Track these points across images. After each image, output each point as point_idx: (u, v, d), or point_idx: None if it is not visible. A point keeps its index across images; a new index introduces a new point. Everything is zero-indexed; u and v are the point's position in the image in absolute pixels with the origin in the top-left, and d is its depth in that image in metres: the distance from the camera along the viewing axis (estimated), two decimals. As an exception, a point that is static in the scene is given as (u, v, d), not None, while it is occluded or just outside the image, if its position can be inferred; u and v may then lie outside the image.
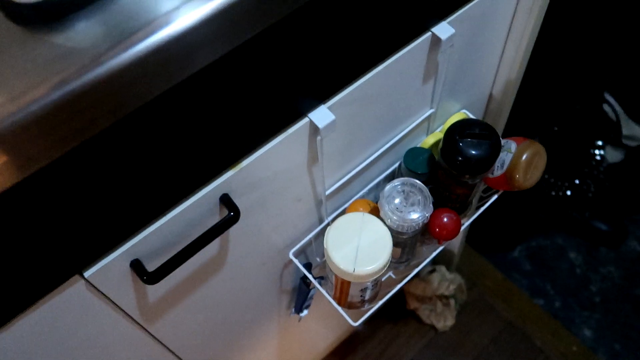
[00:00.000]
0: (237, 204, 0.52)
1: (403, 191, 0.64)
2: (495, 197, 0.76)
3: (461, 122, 0.66)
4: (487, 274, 1.38)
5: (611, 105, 1.40)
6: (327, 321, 1.08)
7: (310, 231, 0.70)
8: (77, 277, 0.45)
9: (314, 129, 0.55)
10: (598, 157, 1.42)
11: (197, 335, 0.67)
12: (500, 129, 0.92)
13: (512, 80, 0.81)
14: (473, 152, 0.64)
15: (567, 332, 1.30)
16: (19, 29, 0.35)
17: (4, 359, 0.45)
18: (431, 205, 0.64)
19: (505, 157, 0.69)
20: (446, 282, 1.27)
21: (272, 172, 0.55)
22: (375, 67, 0.57)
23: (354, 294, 0.65)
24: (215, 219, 0.53)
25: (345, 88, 0.56)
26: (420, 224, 0.63)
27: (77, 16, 0.36)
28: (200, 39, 0.37)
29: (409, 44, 0.59)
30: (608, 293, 1.36)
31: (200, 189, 0.50)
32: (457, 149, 0.64)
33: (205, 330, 0.68)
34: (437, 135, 0.76)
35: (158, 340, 0.61)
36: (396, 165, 0.75)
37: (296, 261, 0.69)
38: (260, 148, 0.52)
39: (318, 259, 0.76)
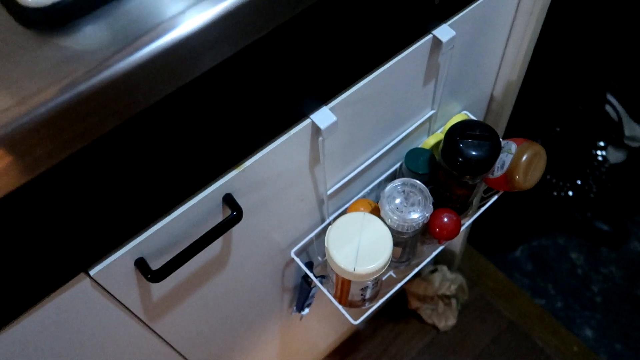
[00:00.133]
0: (240, 203, 0.53)
1: (403, 191, 0.65)
2: (495, 197, 0.77)
3: (462, 123, 0.67)
4: (489, 273, 1.39)
5: (613, 106, 1.41)
6: (328, 320, 1.09)
7: (312, 230, 0.71)
8: (82, 275, 0.46)
9: (316, 130, 0.56)
10: (600, 158, 1.43)
11: (199, 333, 0.68)
12: (501, 130, 0.92)
13: (513, 81, 0.82)
14: (473, 153, 0.64)
15: (568, 332, 1.31)
16: (28, 32, 0.36)
17: (10, 356, 0.46)
18: (431, 205, 0.65)
19: (505, 158, 0.69)
20: (447, 281, 1.27)
21: (274, 172, 0.56)
22: (376, 69, 0.58)
23: (354, 293, 0.66)
24: (218, 219, 0.53)
25: (347, 89, 0.56)
26: (421, 224, 0.64)
27: (84, 20, 0.36)
28: (205, 42, 0.37)
29: (410, 46, 0.60)
30: (609, 293, 1.36)
31: (204, 189, 0.50)
32: (457, 149, 0.64)
33: (208, 328, 0.69)
34: (438, 136, 0.77)
35: (161, 337, 0.62)
36: (397, 165, 0.76)
37: (298, 260, 0.70)
38: (263, 149, 0.53)
39: (319, 258, 0.76)
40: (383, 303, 0.72)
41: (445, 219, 0.67)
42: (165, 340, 0.63)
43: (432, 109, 0.73)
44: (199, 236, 0.51)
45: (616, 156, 1.45)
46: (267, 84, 0.47)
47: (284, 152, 0.55)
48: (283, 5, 0.41)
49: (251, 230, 0.60)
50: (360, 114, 0.61)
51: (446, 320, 1.29)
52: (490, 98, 0.87)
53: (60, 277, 0.44)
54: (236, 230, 0.57)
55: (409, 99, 0.67)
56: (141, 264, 0.49)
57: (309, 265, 0.73)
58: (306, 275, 0.74)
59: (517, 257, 1.42)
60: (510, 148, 0.69)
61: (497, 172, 0.70)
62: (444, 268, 1.31)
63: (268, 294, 0.76)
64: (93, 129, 0.36)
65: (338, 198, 0.71)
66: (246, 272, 0.66)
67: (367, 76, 0.57)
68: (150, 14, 0.36)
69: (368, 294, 0.67)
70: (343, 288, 0.66)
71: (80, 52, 0.35)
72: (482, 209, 0.77)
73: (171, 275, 0.51)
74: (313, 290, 0.77)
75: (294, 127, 0.54)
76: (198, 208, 0.51)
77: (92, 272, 0.46)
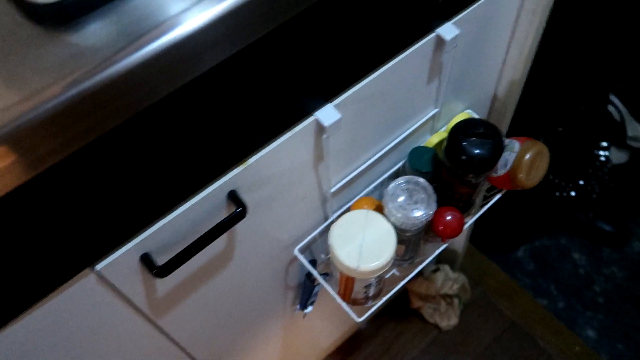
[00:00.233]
0: (244, 200, 0.53)
1: (407, 189, 0.65)
2: (498, 196, 0.77)
3: (465, 121, 0.67)
4: (491, 273, 1.39)
5: (616, 107, 1.41)
6: (331, 318, 1.09)
7: (315, 228, 0.71)
8: (88, 270, 0.46)
9: (320, 128, 0.56)
10: (602, 158, 1.43)
11: (203, 330, 0.68)
12: (504, 129, 0.93)
13: (516, 80, 0.82)
14: (476, 151, 0.65)
15: (570, 332, 1.31)
16: (37, 28, 0.36)
17: (17, 351, 0.46)
18: (435, 203, 0.65)
19: (508, 157, 0.69)
20: (450, 281, 1.28)
21: (278, 169, 0.56)
22: (380, 67, 0.58)
23: (358, 290, 0.66)
24: (222, 215, 0.54)
25: (351, 87, 0.57)
26: (424, 222, 0.64)
27: (92, 16, 0.37)
28: (209, 39, 0.38)
29: (414, 45, 0.60)
30: (611, 294, 1.36)
31: (209, 185, 0.51)
32: (460, 148, 0.65)
33: (211, 324, 0.69)
34: (441, 134, 0.77)
35: (165, 333, 0.62)
36: (400, 164, 0.76)
37: (301, 257, 0.70)
38: (267, 146, 0.53)
39: (323, 256, 0.77)
40: (386, 301, 0.73)
41: (449, 217, 0.68)
42: (169, 336, 0.63)
43: (435, 108, 0.73)
44: (203, 232, 0.52)
45: (619, 156, 1.45)
46: (271, 81, 0.48)
47: (288, 149, 0.55)
48: (287, 3, 0.41)
49: (255, 228, 0.61)
50: (364, 112, 0.61)
51: (448, 319, 1.29)
52: (493, 97, 0.87)
53: (67, 272, 0.45)
54: (240, 227, 0.58)
55: (412, 97, 0.67)
56: (146, 260, 0.49)
57: (312, 263, 0.74)
58: (309, 273, 0.74)
59: (520, 257, 1.43)
60: (513, 147, 0.70)
61: (500, 170, 0.70)
62: (446, 267, 1.31)
63: (271, 292, 0.76)
64: (99, 125, 0.36)
65: (341, 196, 0.71)
66: (250, 269, 0.67)
67: (371, 74, 0.58)
68: (158, 10, 0.36)
69: (371, 292, 0.67)
70: (347, 286, 0.66)
71: (88, 48, 0.35)
72: (485, 207, 0.77)
73: (175, 272, 0.52)
74: (316, 288, 0.77)
75: (298, 124, 0.54)
76: (203, 204, 0.51)
77: (98, 268, 0.46)
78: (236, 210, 0.52)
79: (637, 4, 1.22)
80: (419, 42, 0.60)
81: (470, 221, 0.76)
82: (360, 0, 0.49)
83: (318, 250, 0.76)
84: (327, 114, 0.55)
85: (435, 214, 0.67)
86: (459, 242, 1.27)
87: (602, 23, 1.25)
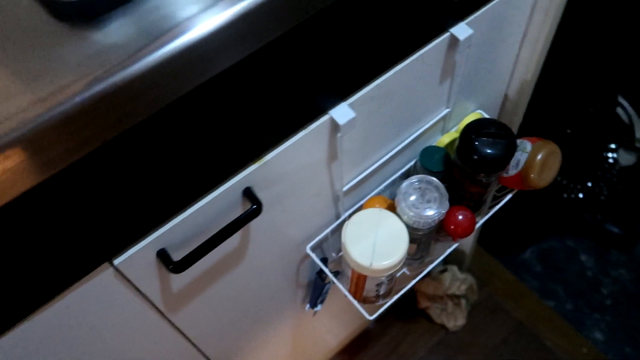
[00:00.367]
0: (259, 197, 0.54)
1: (420, 188, 0.65)
2: (509, 196, 0.77)
3: (478, 121, 0.67)
4: (498, 274, 1.39)
5: (625, 109, 1.40)
6: (339, 317, 1.09)
7: (327, 226, 0.72)
8: (106, 264, 0.47)
9: (334, 126, 0.56)
10: (611, 160, 1.43)
11: (214, 327, 0.69)
12: (514, 129, 0.93)
13: (527, 81, 0.82)
14: (489, 150, 0.65)
15: (577, 334, 1.31)
16: (60, 25, 0.36)
17: (35, 343, 0.47)
18: (447, 202, 0.65)
19: (520, 157, 0.70)
20: (457, 281, 1.28)
21: (293, 167, 0.57)
22: (394, 66, 0.58)
23: (369, 289, 0.67)
24: (237, 212, 0.54)
25: (366, 86, 0.57)
26: (436, 221, 0.64)
27: (115, 14, 0.37)
28: (227, 39, 0.38)
29: (427, 44, 0.60)
30: (619, 296, 1.36)
31: (225, 182, 0.51)
32: (473, 147, 0.65)
33: (223, 322, 0.70)
34: (452, 134, 0.77)
35: (178, 329, 0.63)
36: (411, 163, 0.77)
37: (313, 255, 0.71)
38: (282, 143, 0.53)
39: (334, 254, 0.77)
40: (393, 301, 0.73)
41: (460, 217, 0.68)
42: (181, 332, 0.64)
43: (447, 107, 0.73)
44: (219, 229, 0.52)
45: (627, 159, 1.45)
46: (288, 80, 0.48)
47: (302, 147, 0.55)
48: (304, 4, 0.42)
49: (268, 225, 0.61)
50: (377, 112, 0.62)
51: (455, 320, 1.29)
52: (504, 97, 0.87)
53: (86, 266, 0.45)
54: (254, 224, 0.58)
55: (424, 96, 0.67)
56: (163, 255, 0.50)
57: (323, 261, 0.74)
58: (320, 271, 0.75)
59: (527, 259, 1.42)
60: (525, 147, 0.70)
61: (512, 170, 0.70)
62: (454, 268, 1.31)
63: (282, 289, 0.77)
64: (120, 122, 0.37)
65: (352, 195, 0.72)
66: (262, 266, 0.67)
67: (385, 73, 0.58)
68: (176, 10, 0.37)
69: (382, 290, 0.68)
70: (358, 283, 0.66)
71: (110, 46, 0.35)
72: (497, 206, 0.77)
73: (190, 268, 0.52)
74: (327, 287, 0.78)
75: (314, 122, 0.55)
76: (219, 201, 0.51)
77: (116, 262, 0.47)
78: (252, 207, 0.53)
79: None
80: (433, 41, 0.60)
81: (481, 221, 0.76)
82: (378, 1, 0.49)
83: (329, 249, 0.76)
84: (342, 112, 0.55)
85: (447, 213, 0.67)
86: (467, 242, 1.27)
87: (613, 26, 1.25)
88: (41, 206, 0.38)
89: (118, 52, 0.35)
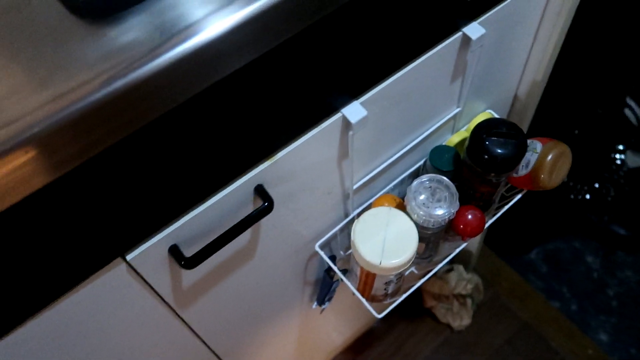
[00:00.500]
0: (271, 195, 0.54)
1: (430, 187, 0.65)
2: (519, 196, 0.77)
3: (488, 121, 0.67)
4: (504, 274, 1.39)
5: (633, 110, 1.40)
6: (345, 315, 1.09)
7: (336, 224, 0.72)
8: (119, 260, 0.47)
9: (346, 124, 0.56)
10: (618, 162, 1.42)
11: (222, 323, 0.69)
12: (524, 130, 0.92)
13: (538, 81, 0.82)
14: (499, 150, 0.65)
15: (582, 335, 1.30)
16: (79, 22, 0.36)
17: (47, 338, 0.47)
18: (457, 202, 0.65)
19: (530, 157, 0.69)
20: (463, 281, 1.28)
21: (304, 165, 0.57)
22: (407, 65, 0.58)
23: (378, 287, 0.67)
24: (249, 209, 0.54)
25: (378, 85, 0.57)
26: (446, 220, 0.64)
27: (133, 11, 0.37)
28: (242, 39, 0.38)
29: (440, 43, 0.60)
30: (625, 297, 1.35)
31: (237, 180, 0.51)
32: (483, 147, 0.65)
33: (231, 318, 0.70)
34: (462, 134, 0.77)
35: (187, 324, 0.63)
36: (421, 162, 0.77)
37: (322, 253, 0.71)
38: (295, 141, 0.54)
39: (342, 253, 0.77)
40: (404, 298, 0.73)
41: (470, 216, 0.68)
42: (190, 328, 0.64)
43: (457, 107, 0.73)
44: (230, 225, 0.52)
45: (634, 160, 1.44)
46: (301, 79, 0.48)
47: (314, 145, 0.56)
48: (317, 4, 0.42)
49: (278, 222, 0.61)
50: (388, 110, 0.62)
51: (461, 319, 1.29)
52: (514, 97, 0.87)
53: (99, 261, 0.45)
54: (264, 221, 0.58)
55: (435, 95, 0.67)
56: (175, 251, 0.50)
57: (332, 259, 0.74)
58: (329, 269, 0.75)
59: (533, 259, 1.42)
60: (535, 147, 0.70)
61: (522, 170, 0.70)
62: (460, 267, 1.31)
63: (290, 287, 0.77)
64: (135, 120, 0.37)
65: (362, 193, 0.72)
66: (271, 263, 0.67)
67: (398, 72, 0.58)
68: (194, 7, 0.37)
69: (391, 289, 0.68)
70: (367, 282, 0.66)
71: (126, 44, 0.35)
72: (506, 207, 0.77)
73: (200, 264, 0.52)
74: (335, 285, 0.78)
75: (326, 120, 0.55)
76: (231, 198, 0.52)
77: (128, 258, 0.47)
78: (263, 204, 0.53)
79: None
80: (445, 40, 0.60)
81: (490, 220, 0.76)
82: (391, 0, 0.49)
83: (337, 247, 0.77)
84: (354, 110, 0.55)
85: (457, 212, 0.67)
86: (474, 242, 1.27)
87: (622, 27, 1.25)
88: (56, 202, 0.38)
89: (134, 50, 0.35)
